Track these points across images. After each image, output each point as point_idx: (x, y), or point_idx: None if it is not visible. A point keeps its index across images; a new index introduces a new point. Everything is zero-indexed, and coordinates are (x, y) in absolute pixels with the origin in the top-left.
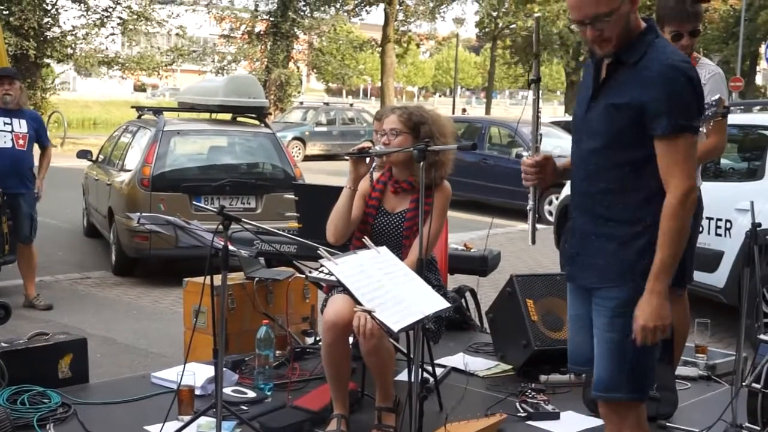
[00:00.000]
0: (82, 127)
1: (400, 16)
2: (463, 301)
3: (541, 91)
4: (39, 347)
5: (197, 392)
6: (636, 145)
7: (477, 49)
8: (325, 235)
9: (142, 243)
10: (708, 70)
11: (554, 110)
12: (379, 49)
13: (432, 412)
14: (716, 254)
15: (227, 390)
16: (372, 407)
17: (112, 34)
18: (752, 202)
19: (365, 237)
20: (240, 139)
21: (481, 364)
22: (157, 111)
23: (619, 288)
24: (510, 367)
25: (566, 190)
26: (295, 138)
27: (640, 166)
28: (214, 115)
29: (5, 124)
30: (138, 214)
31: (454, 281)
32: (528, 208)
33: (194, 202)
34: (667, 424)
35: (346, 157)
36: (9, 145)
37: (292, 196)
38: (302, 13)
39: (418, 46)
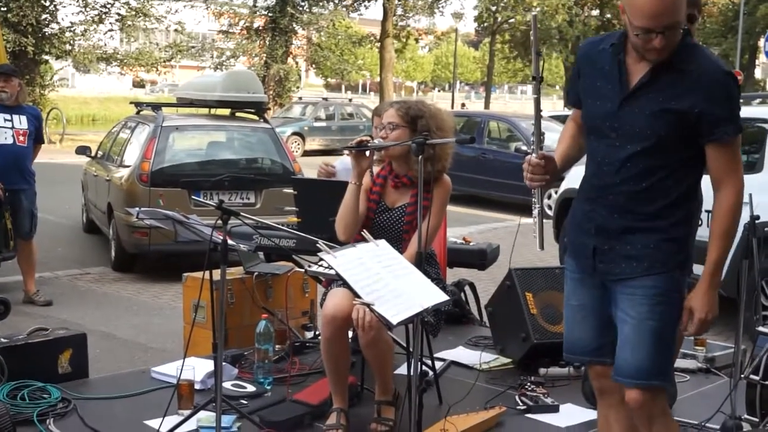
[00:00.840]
0: (81, 123)
1: (399, 11)
2: (462, 294)
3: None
4: (39, 342)
5: (197, 387)
6: (681, 148)
7: (476, 44)
8: (323, 229)
9: (142, 238)
10: None
11: (553, 104)
12: (378, 44)
13: (431, 405)
14: None
15: (227, 384)
16: (371, 401)
17: (111, 30)
18: (751, 195)
19: (364, 230)
20: (239, 135)
21: (480, 358)
22: (156, 106)
23: (659, 276)
24: (509, 360)
25: (566, 184)
26: (295, 133)
27: (681, 166)
28: (212, 111)
29: (6, 120)
30: (137, 208)
31: (453, 275)
32: (534, 212)
33: (193, 197)
34: None
35: (345, 152)
36: (10, 141)
37: (291, 191)
38: (301, 9)
39: (416, 41)
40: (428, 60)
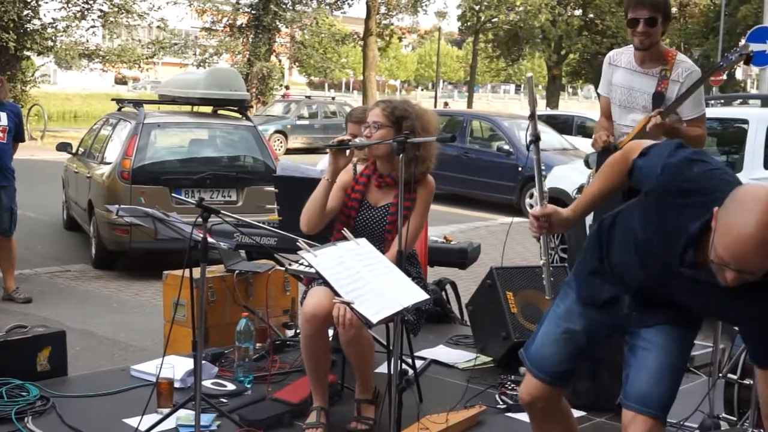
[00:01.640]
0: (63, 119)
1: (382, 10)
2: (443, 293)
3: (522, 85)
4: (17, 340)
5: (176, 385)
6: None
7: (459, 43)
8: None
9: (123, 236)
10: (684, 68)
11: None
12: (362, 42)
13: (412, 404)
14: None
15: (207, 383)
16: (352, 399)
17: (93, 26)
18: None
19: (345, 229)
20: (221, 132)
21: (460, 356)
22: (138, 103)
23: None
24: (490, 359)
25: (549, 183)
26: (277, 131)
27: None
28: (195, 108)
29: None
30: (116, 206)
31: (434, 274)
32: (541, 262)
33: (174, 195)
34: None
35: (328, 150)
36: None
37: (273, 189)
38: (284, 6)
39: (400, 39)
40: (411, 59)
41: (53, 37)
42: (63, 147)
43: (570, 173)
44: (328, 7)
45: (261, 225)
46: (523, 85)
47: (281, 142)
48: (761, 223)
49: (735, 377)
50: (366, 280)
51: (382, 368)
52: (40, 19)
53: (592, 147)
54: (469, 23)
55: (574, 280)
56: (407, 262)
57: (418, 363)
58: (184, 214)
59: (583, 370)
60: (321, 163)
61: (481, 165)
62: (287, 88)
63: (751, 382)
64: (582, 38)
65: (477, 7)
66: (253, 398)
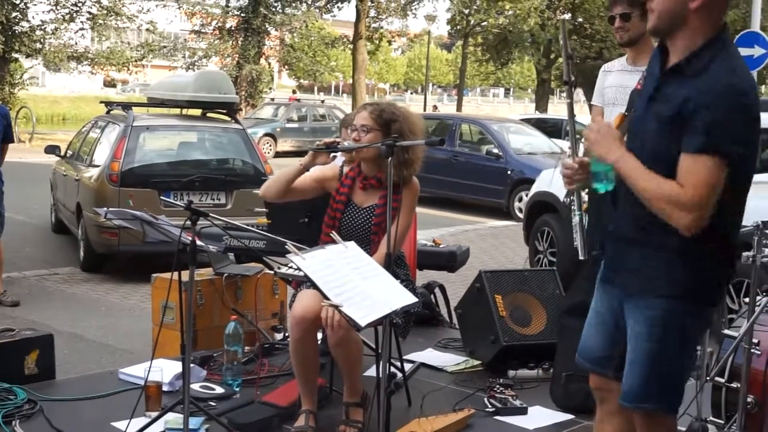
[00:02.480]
0: (51, 122)
1: (372, 13)
2: (432, 296)
3: (512, 89)
4: (5, 343)
5: (165, 388)
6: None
7: (449, 47)
8: (293, 231)
9: (111, 239)
10: None
11: (525, 108)
12: (351, 45)
13: (400, 407)
14: None
15: (195, 386)
16: (340, 403)
17: (82, 29)
18: None
19: (333, 232)
20: (210, 135)
21: (449, 360)
22: (126, 106)
23: (661, 299)
24: (478, 362)
25: (537, 187)
26: (267, 134)
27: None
28: (184, 111)
29: None
30: (105, 209)
31: (423, 277)
32: (574, 220)
33: (162, 198)
34: None
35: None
36: None
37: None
38: (274, 9)
39: (389, 43)
40: (401, 62)
41: (42, 40)
42: (51, 150)
43: (559, 177)
44: (317, 10)
45: (250, 228)
46: (512, 89)
47: (270, 145)
48: None
49: (722, 380)
50: (354, 283)
51: (371, 371)
52: (28, 21)
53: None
54: (458, 27)
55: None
56: (395, 264)
57: (407, 366)
58: (172, 217)
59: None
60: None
61: (470, 168)
62: (294, 92)
63: (739, 385)
64: (571, 42)
65: (466, 11)
66: (241, 401)
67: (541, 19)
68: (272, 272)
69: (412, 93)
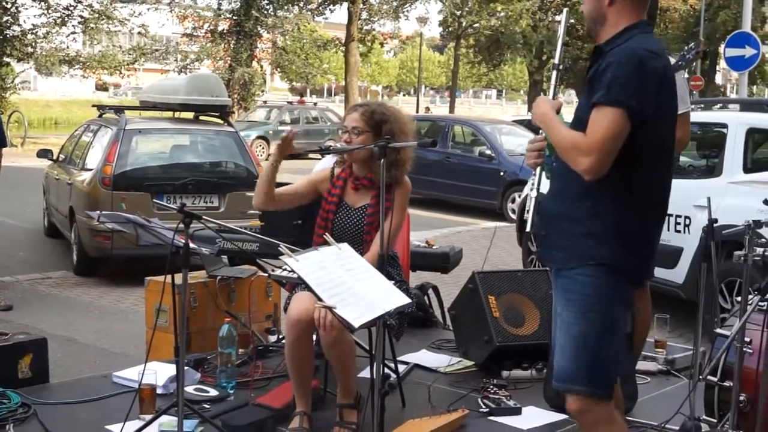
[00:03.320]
0: (43, 126)
1: (364, 15)
2: (425, 297)
3: (504, 90)
4: None
5: (159, 391)
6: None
7: (441, 48)
8: (287, 233)
9: (104, 242)
10: None
11: (518, 109)
12: (343, 48)
13: (394, 408)
14: (676, 251)
15: (189, 388)
16: (334, 404)
17: (74, 32)
18: (709, 199)
19: (326, 234)
20: (202, 138)
21: (443, 361)
22: (119, 110)
23: (582, 277)
24: (472, 363)
25: (528, 188)
26: (259, 137)
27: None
28: (176, 114)
29: None
30: (98, 212)
31: (417, 278)
32: (531, 195)
33: (155, 201)
34: (627, 417)
35: (312, 155)
36: None
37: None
38: (266, 12)
39: (382, 45)
40: (393, 64)
41: (33, 44)
42: (43, 154)
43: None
44: (309, 12)
45: (243, 230)
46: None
47: (263, 148)
48: None
49: (715, 379)
50: (348, 285)
51: (365, 373)
52: (20, 25)
53: None
54: (450, 29)
55: None
56: (388, 264)
57: (401, 367)
58: (165, 220)
59: None
60: (320, 164)
61: (463, 170)
62: (301, 95)
63: (731, 384)
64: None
65: (458, 13)
66: (235, 404)
67: (533, 21)
68: (266, 274)
69: (404, 95)
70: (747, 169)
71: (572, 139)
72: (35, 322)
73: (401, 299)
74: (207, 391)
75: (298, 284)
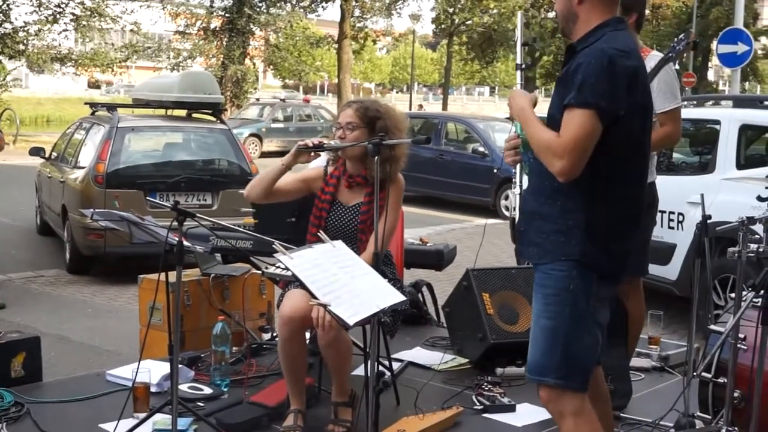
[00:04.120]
0: (35, 124)
1: (357, 13)
2: (419, 295)
3: (497, 88)
4: None
5: (153, 389)
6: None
7: (433, 46)
8: (281, 230)
9: (97, 240)
10: (656, 61)
11: None
12: (336, 45)
13: (389, 406)
14: (669, 247)
15: (183, 386)
16: (329, 402)
17: (65, 30)
18: (702, 195)
19: (320, 231)
20: (195, 136)
21: (437, 358)
22: (111, 107)
23: (554, 272)
24: (466, 360)
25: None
26: (252, 134)
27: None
28: (169, 112)
29: None
30: (91, 210)
31: (411, 276)
32: (515, 191)
33: (148, 198)
34: (621, 414)
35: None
36: None
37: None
38: (258, 9)
39: (374, 42)
40: (386, 61)
41: (25, 41)
42: (36, 151)
43: None
44: (302, 10)
45: (237, 228)
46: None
47: (256, 146)
48: None
49: (709, 376)
50: (342, 282)
51: (359, 370)
52: (11, 22)
53: None
54: (443, 26)
55: None
56: (382, 262)
57: (395, 365)
58: (159, 218)
59: None
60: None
61: (456, 167)
62: (306, 93)
63: (725, 380)
64: (555, 40)
65: (451, 10)
66: (230, 402)
67: (526, 18)
68: (260, 272)
69: (397, 92)
70: (740, 166)
71: (546, 140)
72: (28, 320)
73: (396, 297)
74: (201, 390)
75: (291, 282)
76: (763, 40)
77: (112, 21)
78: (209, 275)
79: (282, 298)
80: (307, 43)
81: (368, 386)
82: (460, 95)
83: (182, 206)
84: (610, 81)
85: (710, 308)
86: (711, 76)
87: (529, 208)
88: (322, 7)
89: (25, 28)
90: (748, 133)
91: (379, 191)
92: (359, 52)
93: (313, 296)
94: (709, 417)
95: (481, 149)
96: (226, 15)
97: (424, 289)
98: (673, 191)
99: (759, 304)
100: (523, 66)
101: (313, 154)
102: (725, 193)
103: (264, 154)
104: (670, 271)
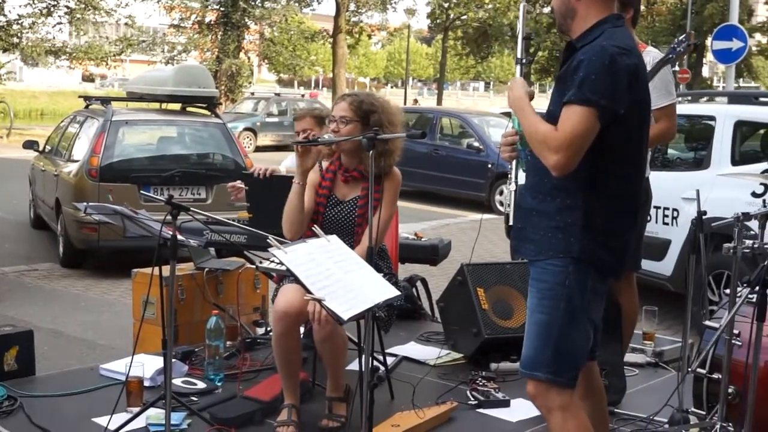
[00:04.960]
0: (29, 117)
1: (352, 7)
2: (414, 290)
3: (492, 83)
4: None
5: (146, 384)
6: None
7: (428, 40)
8: (275, 225)
9: (91, 234)
10: (652, 56)
11: (505, 101)
12: (331, 39)
13: (383, 401)
14: (664, 243)
15: (177, 381)
16: (323, 397)
17: (60, 23)
18: (698, 191)
19: (315, 226)
20: (190, 130)
21: (432, 353)
22: (105, 101)
23: (551, 267)
24: (461, 355)
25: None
26: (247, 128)
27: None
28: (163, 106)
29: None
30: (84, 203)
31: (405, 271)
32: (510, 188)
33: (142, 192)
34: (615, 410)
35: (295, 149)
36: None
37: (243, 186)
38: (253, 3)
39: (369, 37)
40: (381, 56)
41: (19, 34)
42: (29, 145)
43: None
44: (297, 4)
45: (231, 222)
46: (492, 83)
47: (251, 140)
48: None
49: (704, 372)
50: (337, 277)
51: (354, 365)
52: (5, 15)
53: None
54: (438, 21)
55: None
56: (377, 257)
57: (390, 360)
58: (153, 212)
59: None
60: (287, 161)
61: (451, 162)
62: (300, 87)
63: (720, 376)
64: (551, 35)
65: (446, 5)
66: (223, 396)
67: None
68: (254, 267)
69: (392, 87)
70: (735, 162)
71: (543, 133)
72: (21, 314)
73: (390, 291)
74: (195, 384)
75: (286, 276)
76: (758, 36)
77: (107, 14)
78: (203, 269)
79: (277, 292)
80: (302, 37)
81: (362, 381)
82: (455, 90)
83: (176, 200)
84: (611, 79)
85: (705, 304)
86: (706, 72)
87: (526, 205)
88: (317, 1)
89: (19, 21)
90: (743, 129)
91: (374, 185)
92: (354, 46)
93: (308, 291)
94: (704, 413)
95: (476, 144)
96: (221, 9)
97: (419, 283)
98: (668, 187)
99: (754, 300)
100: (524, 61)
101: (296, 149)
102: (720, 189)
103: (259, 149)
104: (665, 267)
